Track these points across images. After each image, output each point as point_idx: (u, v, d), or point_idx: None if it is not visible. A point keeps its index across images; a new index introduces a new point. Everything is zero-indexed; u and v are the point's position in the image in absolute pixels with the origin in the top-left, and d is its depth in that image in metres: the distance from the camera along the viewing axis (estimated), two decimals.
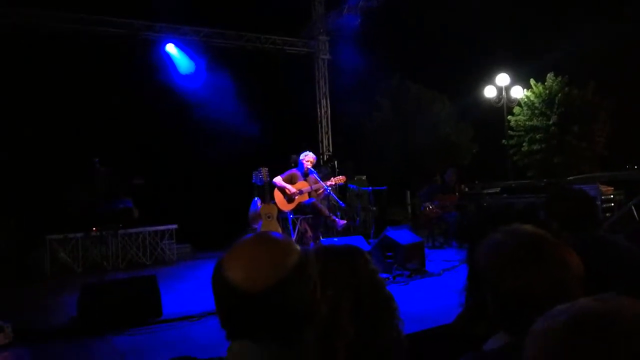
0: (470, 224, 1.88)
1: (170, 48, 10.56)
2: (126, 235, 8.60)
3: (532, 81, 16.29)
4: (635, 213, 8.86)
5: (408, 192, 13.22)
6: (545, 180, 12.27)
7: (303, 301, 1.04)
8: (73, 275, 7.82)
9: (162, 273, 6.26)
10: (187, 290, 6.31)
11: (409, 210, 13.15)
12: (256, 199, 7.74)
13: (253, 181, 7.74)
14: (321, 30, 12.07)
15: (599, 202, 8.92)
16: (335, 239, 6.47)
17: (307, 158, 7.65)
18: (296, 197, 7.48)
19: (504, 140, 16.06)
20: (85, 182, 7.83)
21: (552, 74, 16.21)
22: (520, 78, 15.62)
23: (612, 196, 9.32)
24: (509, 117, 16.11)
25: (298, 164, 7.78)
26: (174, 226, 9.05)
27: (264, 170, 7.48)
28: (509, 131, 16.24)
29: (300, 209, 7.52)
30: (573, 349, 0.64)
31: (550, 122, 15.88)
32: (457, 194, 9.26)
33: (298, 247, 1.08)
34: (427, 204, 9.22)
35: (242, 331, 1.03)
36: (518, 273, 1.16)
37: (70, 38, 9.57)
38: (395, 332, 1.60)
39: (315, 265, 1.11)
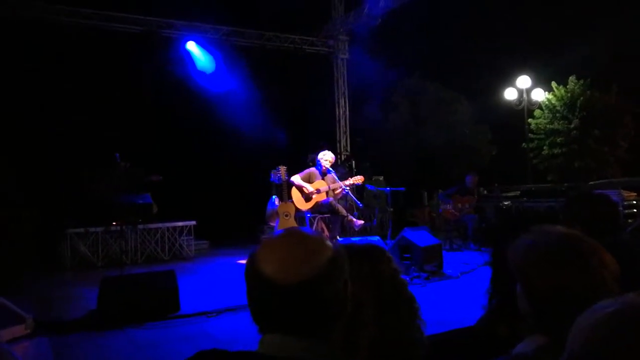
0: (493, 227, 1.87)
1: (191, 46, 10.63)
2: (145, 230, 8.69)
3: (553, 84, 16.08)
4: None
5: (425, 194, 13.15)
6: (565, 184, 12.09)
7: (335, 297, 1.04)
8: (93, 268, 7.93)
9: (180, 268, 6.31)
10: (205, 286, 6.37)
11: (426, 212, 13.08)
12: (274, 197, 7.77)
13: (271, 179, 7.77)
14: (341, 30, 12.06)
15: (620, 208, 8.78)
16: (353, 239, 6.46)
17: (326, 157, 7.64)
18: (314, 197, 7.49)
19: (524, 144, 15.88)
20: (105, 176, 7.94)
21: (574, 77, 15.98)
22: (542, 80, 15.44)
23: (634, 202, 9.16)
24: (530, 119, 15.92)
25: (316, 163, 7.79)
26: (193, 222, 9.12)
27: (282, 169, 7.51)
28: (529, 134, 16.06)
29: (317, 208, 7.53)
30: (622, 338, 0.63)
31: (572, 125, 15.65)
32: (475, 196, 9.18)
33: (331, 244, 1.09)
34: (445, 206, 9.16)
35: (274, 325, 1.03)
36: (557, 272, 1.15)
37: (96, 34, 9.71)
38: (417, 333, 1.59)
39: (347, 263, 1.11)
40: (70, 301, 5.76)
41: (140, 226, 8.57)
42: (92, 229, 8.27)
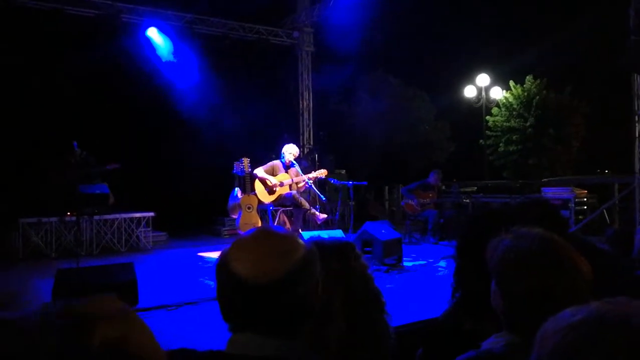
0: (460, 223, 1.92)
1: (152, 32, 10.34)
2: (101, 221, 8.47)
3: (511, 83, 16.54)
4: (607, 216, 9.10)
5: (386, 188, 13.32)
6: (520, 181, 12.50)
7: (306, 296, 1.05)
8: (46, 259, 7.68)
9: (137, 260, 6.18)
10: (164, 279, 6.26)
11: (387, 206, 13.26)
12: (236, 189, 7.70)
13: (234, 171, 7.70)
14: (306, 22, 12.02)
15: (572, 205, 9.14)
16: (315, 232, 6.48)
17: (290, 150, 7.62)
18: (277, 189, 7.47)
19: (481, 140, 16.29)
20: (61, 165, 7.68)
21: (531, 77, 16.48)
22: (501, 79, 15.86)
23: (585, 199, 9.55)
24: (487, 117, 16.34)
25: (280, 156, 7.76)
26: (151, 213, 8.94)
27: (246, 161, 7.44)
28: (487, 131, 16.48)
29: (280, 201, 7.51)
30: (587, 347, 0.66)
31: (527, 124, 16.16)
32: (436, 192, 9.37)
33: (303, 243, 1.09)
34: (408, 200, 9.32)
35: (245, 324, 1.03)
36: (530, 276, 1.19)
37: (48, 17, 9.30)
38: (384, 327, 1.62)
39: (318, 261, 1.12)
40: (24, 293, 5.56)
41: (96, 217, 8.35)
42: (46, 219, 7.99)
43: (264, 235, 1.08)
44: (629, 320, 0.66)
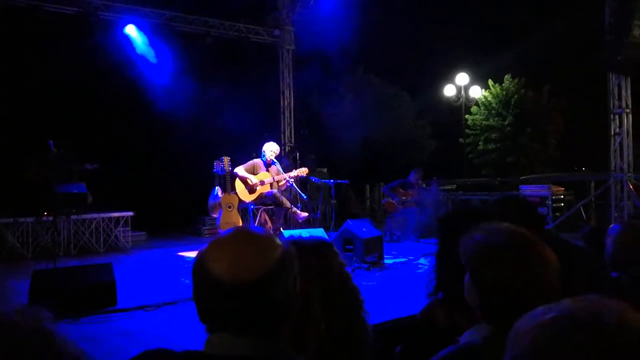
0: (441, 220, 1.93)
1: (130, 30, 10.19)
2: (79, 221, 8.34)
3: (490, 82, 16.72)
4: (583, 213, 9.26)
5: (367, 186, 13.37)
6: (499, 179, 12.66)
7: (285, 295, 1.04)
8: (22, 260, 7.53)
9: (116, 261, 6.11)
10: (142, 279, 6.19)
11: (368, 204, 13.31)
12: (216, 188, 7.65)
13: (214, 170, 7.63)
14: (287, 20, 11.98)
15: (549, 202, 9.29)
16: (297, 231, 6.47)
17: (270, 148, 7.59)
18: (258, 188, 7.43)
19: (460, 139, 16.46)
20: (37, 164, 7.53)
21: (510, 76, 16.69)
22: (480, 78, 16.03)
23: (562, 196, 9.71)
24: (467, 116, 16.50)
25: (260, 155, 7.72)
26: (130, 213, 8.83)
27: (226, 160, 7.40)
28: (466, 130, 16.65)
29: (261, 199, 7.48)
30: (560, 346, 0.66)
31: (506, 122, 16.36)
32: (416, 190, 9.43)
33: (281, 242, 1.09)
34: (389, 198, 9.37)
35: (222, 324, 1.02)
36: (501, 268, 1.22)
37: (27, 13, 9.09)
38: (362, 324, 1.63)
39: (296, 260, 1.12)
40: None
41: (74, 217, 8.22)
42: (22, 219, 7.84)
43: (241, 235, 1.07)
44: (600, 319, 0.67)
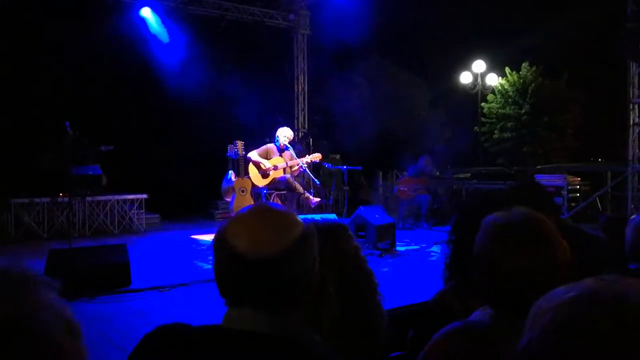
0: (455, 207, 1.92)
1: (146, 12, 10.17)
2: (94, 203, 8.43)
3: (507, 69, 16.47)
4: (599, 204, 9.15)
5: (380, 173, 13.32)
6: (514, 168, 12.52)
7: (304, 273, 1.04)
8: (38, 240, 7.65)
9: (130, 242, 6.17)
10: (156, 261, 6.26)
11: (380, 191, 13.27)
12: (230, 172, 7.67)
13: (228, 154, 7.66)
14: (302, 4, 11.89)
15: (565, 192, 9.19)
16: (309, 217, 6.48)
17: (284, 133, 7.58)
18: (271, 173, 7.44)
19: (476, 127, 16.28)
20: (54, 145, 7.60)
21: (527, 64, 16.41)
22: (497, 65, 15.79)
23: (578, 186, 9.60)
24: (483, 104, 16.31)
25: (274, 139, 7.72)
26: (144, 195, 8.91)
27: (240, 144, 7.41)
28: (482, 118, 16.46)
29: (274, 184, 7.49)
30: (584, 323, 0.65)
31: (522, 111, 16.14)
32: (427, 177, 9.38)
33: (301, 220, 1.08)
34: (399, 186, 9.33)
35: (241, 299, 1.02)
36: (520, 253, 1.20)
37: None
38: (377, 307, 1.62)
39: (316, 239, 1.11)
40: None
41: (89, 198, 8.31)
42: (38, 200, 7.94)
43: (262, 211, 1.08)
44: (622, 297, 0.65)
